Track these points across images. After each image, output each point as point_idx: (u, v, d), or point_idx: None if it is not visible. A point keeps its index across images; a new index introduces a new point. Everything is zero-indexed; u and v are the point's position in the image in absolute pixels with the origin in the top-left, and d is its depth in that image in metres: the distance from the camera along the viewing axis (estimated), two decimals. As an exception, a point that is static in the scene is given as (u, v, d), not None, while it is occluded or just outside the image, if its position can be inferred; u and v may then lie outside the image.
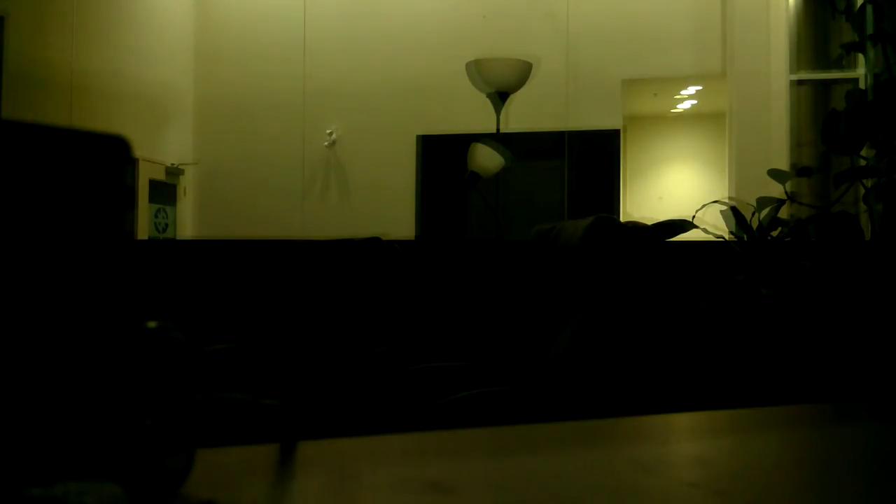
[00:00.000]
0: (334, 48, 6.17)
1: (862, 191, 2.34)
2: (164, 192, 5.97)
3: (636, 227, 1.94)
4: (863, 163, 2.39)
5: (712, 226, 2.20)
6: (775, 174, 2.32)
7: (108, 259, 0.49)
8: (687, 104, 6.87)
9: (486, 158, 3.55)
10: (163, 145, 6.07)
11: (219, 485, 0.59)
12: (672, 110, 7.00)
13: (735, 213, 2.20)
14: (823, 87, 5.19)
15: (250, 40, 6.32)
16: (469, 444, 0.78)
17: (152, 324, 0.53)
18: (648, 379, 1.88)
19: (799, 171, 3.97)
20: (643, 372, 1.87)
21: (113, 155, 0.50)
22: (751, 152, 5.05)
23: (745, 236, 2.18)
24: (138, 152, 5.04)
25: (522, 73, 4.66)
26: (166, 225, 5.96)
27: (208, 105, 6.38)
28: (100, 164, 0.50)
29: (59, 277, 0.48)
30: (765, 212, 2.21)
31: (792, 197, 2.28)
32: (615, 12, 5.77)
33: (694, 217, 2.14)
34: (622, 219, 3.41)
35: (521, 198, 5.63)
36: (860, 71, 4.83)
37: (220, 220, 6.24)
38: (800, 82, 5.14)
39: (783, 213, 2.28)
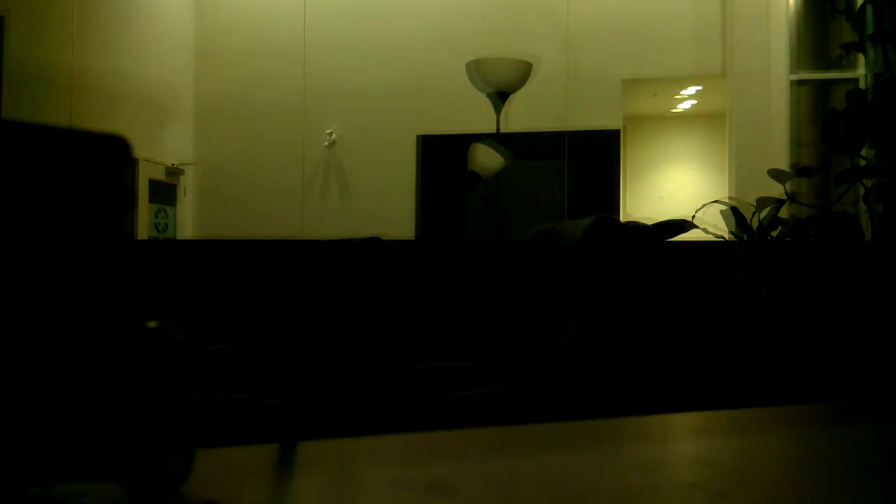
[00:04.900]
0: (334, 48, 6.17)
1: (862, 191, 2.34)
2: (164, 192, 5.97)
3: (636, 227, 1.94)
4: (863, 163, 2.39)
5: (712, 226, 2.20)
6: (775, 174, 2.32)
7: (108, 259, 0.49)
8: (687, 104, 6.88)
9: (486, 158, 3.55)
10: (163, 145, 6.07)
11: (219, 485, 0.59)
12: (672, 110, 7.00)
13: (735, 213, 2.20)
14: (823, 87, 5.20)
15: (250, 40, 6.33)
16: (469, 444, 0.78)
17: (152, 324, 0.53)
18: (648, 379, 1.88)
19: (799, 171, 3.97)
20: (643, 372, 1.87)
21: (113, 155, 0.50)
22: (751, 152, 5.06)
23: (745, 236, 2.18)
24: (138, 152, 5.03)
25: (522, 73, 4.66)
26: (166, 225, 5.96)
27: (208, 105, 6.38)
28: (100, 164, 0.50)
29: (59, 278, 0.48)
30: (765, 212, 2.22)
31: (792, 197, 2.28)
32: (615, 12, 5.77)
33: (694, 217, 2.14)
34: (622, 219, 3.41)
35: (521, 198, 5.63)
36: (860, 71, 4.83)
37: (220, 220, 6.24)
38: (800, 82, 5.14)
39: (783, 213, 2.28)
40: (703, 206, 2.28)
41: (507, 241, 3.06)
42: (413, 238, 5.72)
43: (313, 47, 6.18)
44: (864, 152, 2.36)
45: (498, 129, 4.53)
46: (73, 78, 5.31)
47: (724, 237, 2.23)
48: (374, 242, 2.66)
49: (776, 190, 2.33)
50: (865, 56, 3.30)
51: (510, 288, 2.59)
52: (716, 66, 5.55)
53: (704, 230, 2.16)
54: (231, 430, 0.67)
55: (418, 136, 5.99)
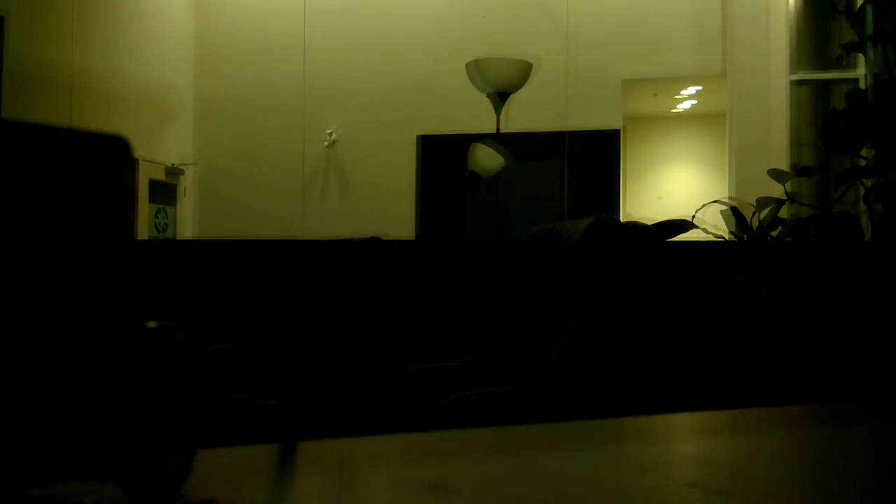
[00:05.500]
0: (334, 48, 6.17)
1: (862, 191, 2.34)
2: (164, 192, 5.97)
3: (636, 227, 1.94)
4: (863, 163, 2.39)
5: (712, 226, 2.20)
6: (775, 174, 2.32)
7: (108, 259, 0.49)
8: (687, 104, 6.87)
9: (486, 158, 3.55)
10: (163, 145, 6.07)
11: (219, 485, 0.59)
12: (672, 110, 6.99)
13: (735, 213, 2.20)
14: (823, 87, 5.19)
15: (250, 40, 6.32)
16: (469, 444, 0.78)
17: (152, 324, 0.53)
18: (648, 379, 1.88)
19: (799, 171, 3.97)
20: (643, 372, 1.87)
21: (113, 155, 0.50)
22: (751, 152, 5.05)
23: (745, 236, 2.18)
24: (138, 152, 5.03)
25: (522, 73, 4.66)
26: (166, 225, 5.95)
27: (208, 105, 6.38)
28: (100, 164, 0.50)
29: (59, 278, 0.48)
30: (765, 212, 2.21)
31: (792, 197, 2.28)
32: (615, 12, 5.77)
33: (694, 217, 2.14)
34: (622, 219, 3.41)
35: (521, 198, 5.63)
36: (860, 71, 4.83)
37: (220, 220, 6.23)
38: (800, 82, 5.14)
39: (783, 213, 2.28)
40: (703, 206, 2.28)
41: (507, 241, 3.06)
42: (413, 238, 5.72)
43: (313, 47, 6.18)
44: (864, 152, 2.36)
45: (498, 129, 4.53)
46: (73, 78, 5.30)
47: (724, 237, 2.23)
48: (374, 242, 2.66)
49: (776, 190, 2.33)
50: (865, 56, 3.30)
51: (510, 288, 2.59)
52: (716, 67, 5.55)
53: (704, 230, 2.16)
54: (231, 430, 0.67)
55: (418, 136, 5.99)
